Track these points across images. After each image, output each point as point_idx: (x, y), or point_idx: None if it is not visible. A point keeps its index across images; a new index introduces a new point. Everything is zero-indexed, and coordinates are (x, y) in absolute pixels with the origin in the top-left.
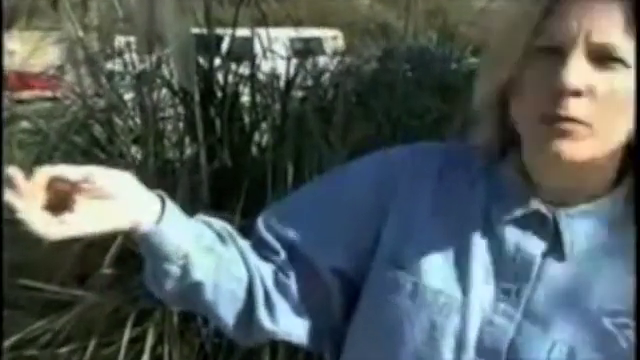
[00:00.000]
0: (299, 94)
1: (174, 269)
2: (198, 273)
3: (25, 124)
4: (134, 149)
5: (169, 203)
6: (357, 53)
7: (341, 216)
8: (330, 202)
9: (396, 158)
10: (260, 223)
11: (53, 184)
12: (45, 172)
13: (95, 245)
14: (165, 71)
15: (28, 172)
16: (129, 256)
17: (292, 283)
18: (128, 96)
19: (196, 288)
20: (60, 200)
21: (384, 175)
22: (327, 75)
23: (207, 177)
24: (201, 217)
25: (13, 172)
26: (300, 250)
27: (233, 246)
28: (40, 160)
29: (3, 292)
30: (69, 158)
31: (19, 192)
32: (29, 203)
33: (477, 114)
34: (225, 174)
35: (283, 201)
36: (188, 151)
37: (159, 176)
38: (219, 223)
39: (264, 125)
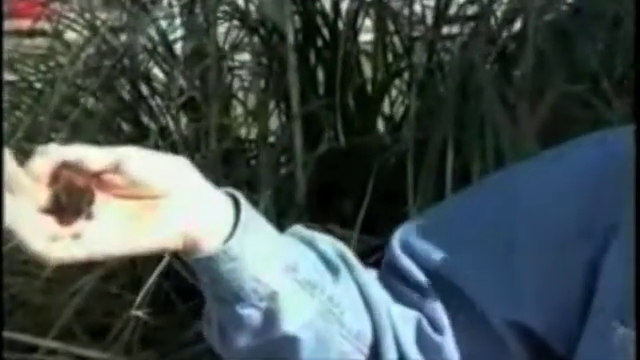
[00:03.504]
0: (456, 31)
1: (253, 315)
2: (291, 323)
3: (5, 75)
4: (184, 121)
5: (247, 208)
6: None
7: (528, 247)
8: (509, 223)
9: (609, 154)
10: (396, 244)
11: (62, 174)
12: (51, 155)
13: (118, 276)
14: None
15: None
16: (174, 294)
17: (446, 341)
18: (175, 35)
19: (287, 346)
20: (73, 200)
21: (593, 182)
22: (503, 1)
23: (305, 168)
24: (299, 230)
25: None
26: (461, 291)
27: (350, 281)
28: (32, 137)
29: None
30: (79, 136)
31: (9, 185)
32: (22, 203)
33: None
34: (335, 163)
35: (432, 213)
36: (274, 126)
37: (225, 165)
38: (330, 243)
39: (399, 84)
